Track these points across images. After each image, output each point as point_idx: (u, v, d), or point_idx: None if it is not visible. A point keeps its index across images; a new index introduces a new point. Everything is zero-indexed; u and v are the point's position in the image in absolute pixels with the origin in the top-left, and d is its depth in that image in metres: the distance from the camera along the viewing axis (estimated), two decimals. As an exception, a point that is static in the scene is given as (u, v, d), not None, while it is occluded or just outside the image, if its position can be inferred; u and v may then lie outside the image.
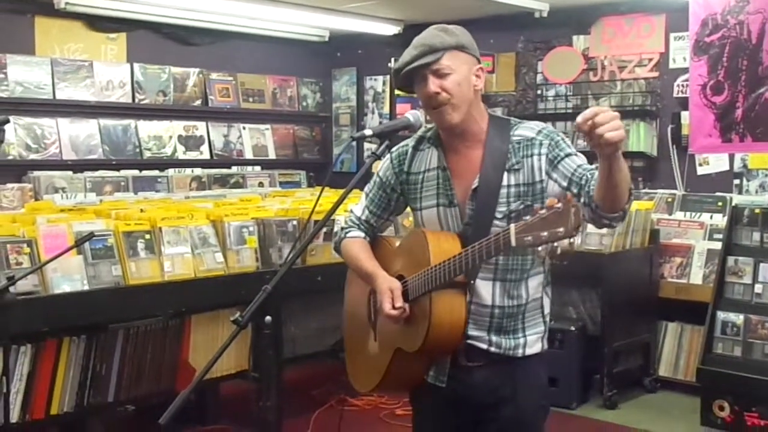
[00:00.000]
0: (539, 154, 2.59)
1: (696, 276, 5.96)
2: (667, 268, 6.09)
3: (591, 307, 5.82)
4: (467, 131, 2.65)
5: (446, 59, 2.59)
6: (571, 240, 2.19)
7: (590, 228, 5.75)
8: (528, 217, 2.26)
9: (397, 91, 8.21)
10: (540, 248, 2.24)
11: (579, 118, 2.17)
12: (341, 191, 2.74)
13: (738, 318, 5.18)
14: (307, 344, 5.03)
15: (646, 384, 6.08)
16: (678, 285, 6.00)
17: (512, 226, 2.30)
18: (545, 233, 2.20)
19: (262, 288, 2.25)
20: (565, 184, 2.50)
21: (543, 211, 2.22)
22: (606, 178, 2.28)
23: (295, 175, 8.50)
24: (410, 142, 2.82)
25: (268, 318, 2.29)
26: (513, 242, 2.29)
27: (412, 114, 2.66)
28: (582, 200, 2.42)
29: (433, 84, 2.58)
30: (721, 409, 5.12)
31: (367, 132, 2.56)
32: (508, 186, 2.59)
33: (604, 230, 5.62)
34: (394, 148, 2.83)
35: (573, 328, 5.69)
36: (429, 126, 2.79)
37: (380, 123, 8.04)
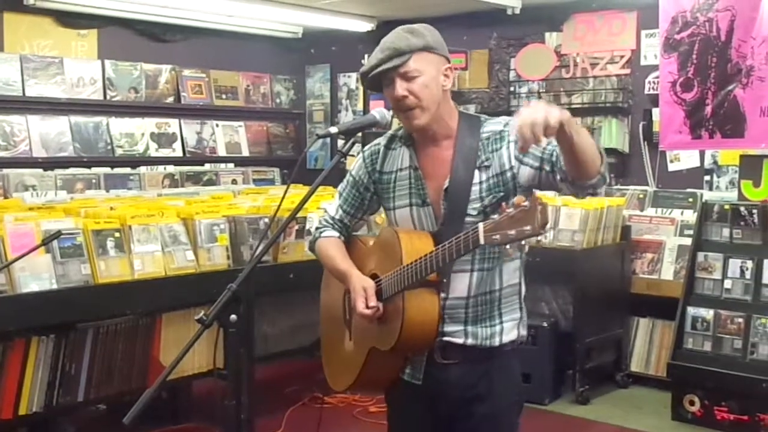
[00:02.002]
0: (508, 142, 2.59)
1: (667, 272, 5.99)
2: (638, 264, 6.13)
3: (563, 304, 5.84)
4: (437, 131, 2.66)
5: (413, 62, 2.58)
6: (539, 238, 2.20)
7: (562, 224, 5.79)
8: (496, 216, 2.27)
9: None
10: (508, 246, 2.25)
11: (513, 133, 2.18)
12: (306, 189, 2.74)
13: (708, 313, 5.23)
14: (280, 342, 5.02)
15: (618, 379, 6.11)
16: (649, 281, 6.03)
17: (480, 225, 2.31)
18: (513, 231, 2.21)
19: (227, 286, 2.24)
20: (537, 164, 2.50)
21: (510, 210, 2.23)
22: (569, 150, 2.28)
23: (269, 172, 8.47)
24: (382, 140, 2.82)
25: (233, 317, 2.27)
26: (481, 240, 2.30)
27: (378, 111, 2.65)
28: (558, 177, 2.43)
29: (400, 87, 2.57)
30: (692, 403, 5.17)
31: (333, 129, 2.55)
32: (480, 182, 2.59)
33: (576, 226, 5.69)
34: (366, 147, 2.83)
35: (545, 324, 5.71)
36: (400, 126, 2.79)
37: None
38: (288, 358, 5.30)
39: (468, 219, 2.55)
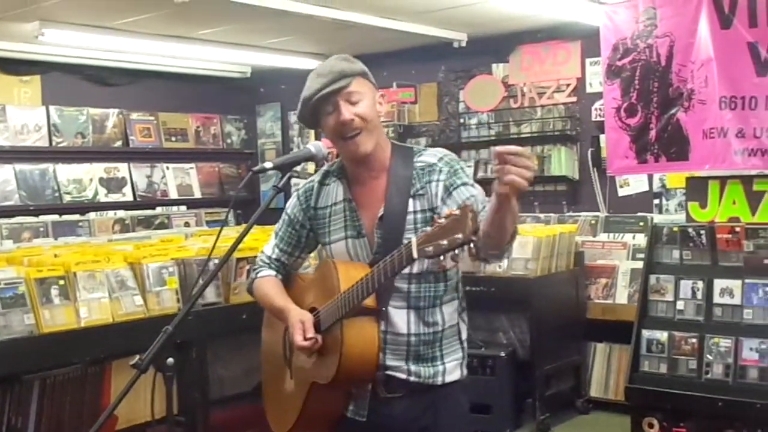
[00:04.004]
0: (437, 180, 2.60)
1: (621, 296, 6.02)
2: (593, 290, 6.14)
3: (520, 332, 5.83)
4: (374, 159, 2.65)
5: (355, 85, 2.59)
6: (471, 246, 2.19)
7: (515, 253, 5.78)
8: (428, 228, 2.26)
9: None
10: (442, 258, 2.23)
11: (501, 147, 2.17)
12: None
13: (662, 335, 5.23)
14: (235, 384, 4.95)
15: (578, 405, 6.10)
16: (604, 305, 6.05)
17: (413, 238, 2.31)
18: (445, 241, 2.21)
19: (162, 329, 2.20)
20: None
21: (442, 221, 2.23)
22: (495, 215, 2.28)
23: (222, 213, 8.41)
24: (316, 177, 2.81)
25: (170, 360, 2.22)
26: (415, 254, 2.29)
27: (314, 145, 2.64)
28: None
29: (346, 111, 2.56)
30: (651, 426, 5.16)
31: (268, 165, 2.53)
32: (414, 212, 2.59)
33: (529, 254, 5.69)
34: (300, 185, 2.82)
35: (503, 354, 5.69)
36: (333, 161, 2.78)
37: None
38: (244, 401, 5.21)
39: None
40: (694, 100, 5.20)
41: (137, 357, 2.17)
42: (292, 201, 2.85)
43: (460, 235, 2.18)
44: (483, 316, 5.80)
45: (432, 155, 2.67)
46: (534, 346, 5.75)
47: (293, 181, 2.68)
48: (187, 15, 6.01)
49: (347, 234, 2.68)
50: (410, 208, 2.60)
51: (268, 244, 2.92)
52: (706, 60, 5.12)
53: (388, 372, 2.61)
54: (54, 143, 7.31)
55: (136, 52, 7.30)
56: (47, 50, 7.01)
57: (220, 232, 2.56)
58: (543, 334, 5.76)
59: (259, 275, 2.89)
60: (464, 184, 2.57)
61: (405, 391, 2.63)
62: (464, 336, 2.75)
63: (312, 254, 3.00)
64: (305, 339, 2.56)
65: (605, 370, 6.15)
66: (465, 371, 2.75)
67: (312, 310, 2.67)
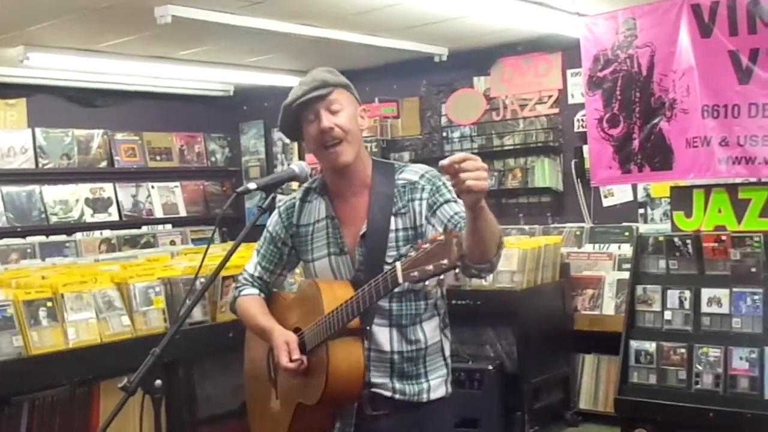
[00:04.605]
0: (420, 199, 2.60)
1: (608, 307, 6.02)
2: (579, 301, 6.15)
3: (507, 345, 5.82)
4: (354, 174, 2.65)
5: (337, 94, 2.60)
6: (456, 270, 2.20)
7: (501, 266, 5.73)
8: (413, 253, 2.26)
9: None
10: (427, 282, 2.24)
11: (446, 161, 2.18)
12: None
13: (650, 346, 5.23)
14: (223, 402, 4.93)
15: (567, 418, 6.09)
16: (591, 317, 6.05)
17: (398, 263, 2.29)
18: (430, 266, 2.21)
19: (150, 351, 2.20)
20: (440, 229, 2.51)
21: (426, 245, 2.22)
22: (471, 228, 2.28)
23: (208, 231, 8.41)
24: (297, 194, 2.81)
25: (158, 382, 2.22)
26: (400, 279, 2.28)
27: (297, 165, 2.64)
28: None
29: (327, 119, 2.57)
30: (641, 437, 5.16)
31: (251, 186, 2.53)
32: (396, 230, 2.59)
33: (515, 267, 5.70)
34: (281, 202, 2.82)
35: (491, 367, 5.67)
36: (314, 177, 2.78)
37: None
38: (233, 419, 5.19)
39: (386, 267, 2.53)
40: (677, 110, 5.22)
41: (125, 380, 2.16)
42: (274, 218, 2.84)
43: (445, 261, 2.18)
44: (469, 329, 5.79)
45: (413, 172, 2.67)
46: (521, 359, 5.74)
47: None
48: (169, 36, 6.03)
49: (330, 251, 2.68)
50: (392, 226, 2.60)
51: (249, 263, 2.92)
52: (688, 69, 5.14)
53: (374, 389, 2.62)
54: (40, 165, 7.32)
55: (120, 73, 7.30)
56: (32, 73, 7.03)
57: (206, 251, 2.55)
58: (530, 347, 5.75)
59: (242, 293, 2.89)
60: (447, 201, 2.57)
61: (390, 409, 2.63)
62: (448, 353, 2.76)
63: (297, 270, 3.00)
64: (291, 360, 2.56)
65: (594, 381, 6.15)
66: (450, 388, 2.75)
67: (296, 330, 2.67)
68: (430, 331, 2.67)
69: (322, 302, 2.54)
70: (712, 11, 5.03)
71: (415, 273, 2.23)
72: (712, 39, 5.05)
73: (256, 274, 2.88)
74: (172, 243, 7.82)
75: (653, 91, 5.30)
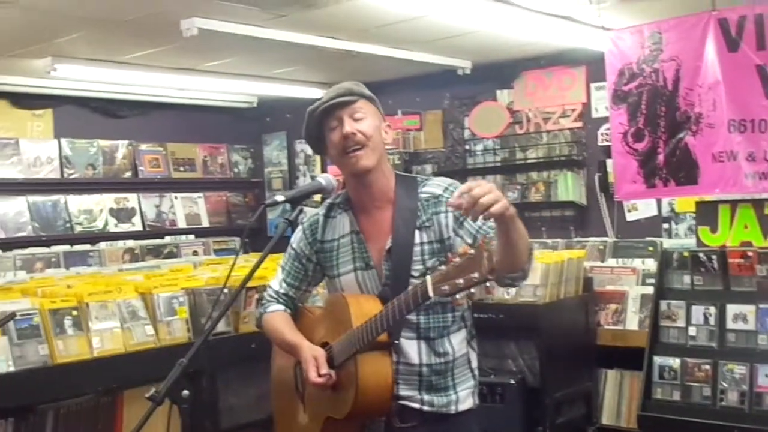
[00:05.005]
0: (445, 212, 2.61)
1: (632, 322, 5.98)
2: (603, 316, 6.10)
3: (529, 359, 5.79)
4: (377, 186, 2.66)
5: (362, 104, 2.62)
6: (488, 284, 2.21)
7: (524, 279, 5.77)
8: (443, 267, 2.26)
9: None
10: (458, 296, 2.24)
11: (452, 201, 2.20)
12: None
13: (674, 362, 5.20)
14: (246, 413, 4.94)
15: (589, 433, 6.07)
16: (614, 331, 6.01)
17: (428, 277, 2.30)
18: (461, 280, 2.21)
19: (177, 362, 2.21)
20: (470, 242, 2.51)
21: (457, 259, 2.22)
22: (503, 240, 2.30)
23: (230, 241, 8.45)
24: (321, 210, 2.82)
25: (185, 392, 2.22)
26: (431, 293, 2.28)
27: (324, 177, 2.66)
28: None
29: (349, 125, 2.59)
30: (664, 453, 5.12)
31: (279, 198, 2.55)
32: (421, 243, 2.60)
33: (538, 281, 5.68)
34: (305, 219, 2.83)
35: (513, 381, 5.65)
36: (338, 193, 2.79)
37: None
38: (255, 429, 5.20)
39: (412, 281, 2.54)
40: (702, 124, 5.20)
41: (153, 389, 2.17)
42: (298, 235, 2.86)
43: (476, 275, 2.19)
44: (492, 343, 5.76)
45: (436, 185, 2.68)
46: (544, 373, 5.71)
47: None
48: (195, 48, 6.07)
49: (356, 266, 2.69)
50: (417, 240, 2.61)
51: (274, 279, 2.93)
52: (714, 83, 5.11)
53: (402, 402, 2.62)
54: (65, 175, 7.38)
55: (145, 84, 7.34)
56: (59, 84, 7.08)
57: (234, 262, 2.57)
58: (553, 361, 5.72)
59: (267, 310, 2.90)
60: None
61: (419, 421, 2.64)
62: (475, 364, 2.77)
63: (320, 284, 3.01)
64: (319, 375, 2.56)
65: (617, 397, 6.10)
66: (477, 400, 2.76)
67: (323, 344, 2.67)
68: (457, 343, 2.68)
69: (350, 316, 2.55)
70: (739, 25, 5.01)
71: (446, 287, 2.24)
72: (739, 53, 5.02)
73: (282, 290, 2.89)
74: (195, 253, 7.85)
75: (679, 105, 5.28)
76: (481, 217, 2.18)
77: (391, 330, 2.53)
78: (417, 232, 2.61)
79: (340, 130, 2.61)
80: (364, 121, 2.63)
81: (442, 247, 2.58)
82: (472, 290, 2.23)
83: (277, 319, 2.86)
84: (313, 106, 2.67)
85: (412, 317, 2.58)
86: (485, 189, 2.17)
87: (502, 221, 2.24)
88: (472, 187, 2.18)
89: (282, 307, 2.89)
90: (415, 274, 2.56)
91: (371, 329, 2.48)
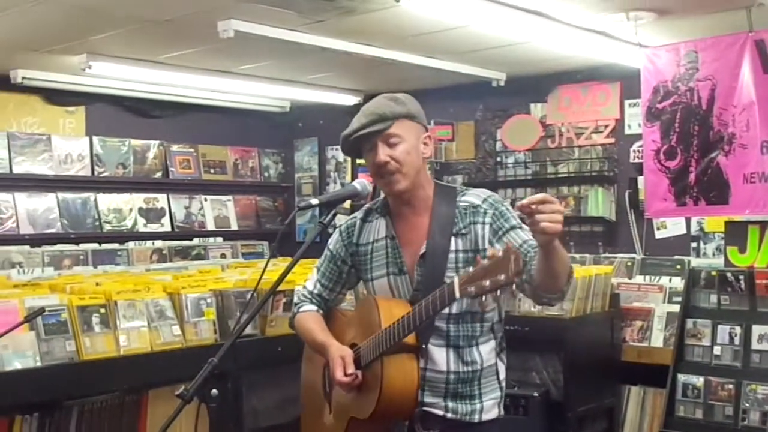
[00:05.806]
0: (483, 223, 2.61)
1: (657, 339, 5.95)
2: (628, 332, 6.08)
3: (554, 373, 5.78)
4: (414, 197, 2.68)
5: (396, 128, 2.63)
6: (514, 288, 2.21)
7: (551, 293, 5.75)
8: (470, 268, 2.28)
9: (358, 161, 8.25)
10: (484, 298, 2.25)
11: (525, 201, 2.21)
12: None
13: (698, 380, 5.20)
14: (270, 416, 4.96)
15: (611, 449, 6.04)
16: (639, 348, 5.98)
17: (455, 278, 2.32)
18: (487, 282, 2.22)
19: (207, 361, 2.23)
20: None
21: (484, 261, 2.24)
22: (544, 263, 2.31)
23: (258, 245, 8.47)
24: (359, 214, 2.84)
25: (214, 391, 2.25)
26: (457, 293, 2.30)
27: (359, 182, 2.68)
28: (523, 276, 2.43)
29: (382, 153, 2.60)
30: (685, 473, 5.10)
31: (314, 201, 2.57)
32: (456, 251, 2.61)
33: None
34: (342, 222, 2.85)
35: (536, 394, 5.64)
36: (376, 199, 2.81)
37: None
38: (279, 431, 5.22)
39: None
40: (735, 144, 5.18)
41: (182, 387, 2.19)
42: (334, 237, 2.88)
43: (502, 276, 2.20)
44: (516, 355, 5.74)
45: (476, 196, 2.69)
46: (567, 388, 5.70)
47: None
48: (230, 50, 6.10)
49: (389, 270, 2.71)
50: (452, 247, 2.62)
51: (309, 280, 2.96)
52: (748, 104, 5.10)
53: (426, 408, 2.63)
54: (96, 173, 7.42)
55: (178, 85, 7.38)
56: (92, 82, 7.12)
57: (266, 264, 2.61)
58: (577, 376, 5.71)
59: (300, 310, 2.92)
60: (513, 227, 2.60)
61: (442, 428, 2.65)
62: (503, 376, 2.77)
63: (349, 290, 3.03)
64: (345, 375, 2.58)
65: (639, 413, 6.08)
66: (502, 411, 2.76)
67: (352, 345, 2.69)
68: (486, 353, 2.68)
69: (379, 318, 2.57)
70: (775, 48, 5.00)
71: (472, 288, 2.25)
72: (774, 75, 5.01)
73: (316, 291, 2.91)
74: (223, 256, 7.88)
75: (712, 124, 5.27)
76: (529, 230, 2.21)
77: (419, 334, 2.55)
78: (453, 239, 2.63)
79: (373, 156, 2.63)
80: (399, 145, 2.63)
81: (475, 258, 2.59)
82: (499, 293, 2.23)
83: (309, 319, 2.89)
84: (347, 132, 2.67)
85: (442, 325, 2.60)
86: (554, 208, 2.21)
87: (547, 248, 2.25)
88: (546, 200, 2.22)
89: (314, 308, 2.92)
90: (448, 281, 2.57)
91: (399, 330, 2.50)
